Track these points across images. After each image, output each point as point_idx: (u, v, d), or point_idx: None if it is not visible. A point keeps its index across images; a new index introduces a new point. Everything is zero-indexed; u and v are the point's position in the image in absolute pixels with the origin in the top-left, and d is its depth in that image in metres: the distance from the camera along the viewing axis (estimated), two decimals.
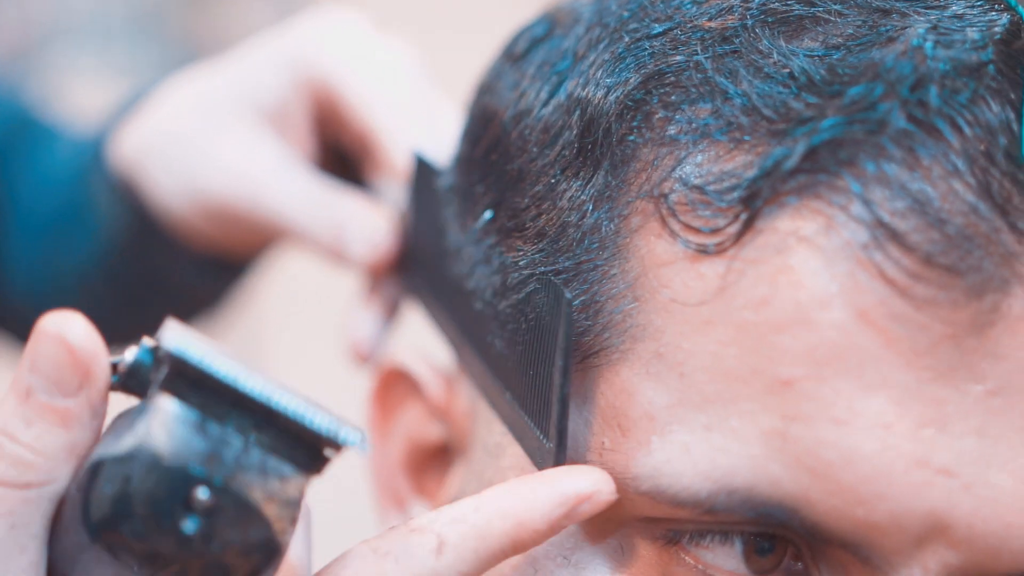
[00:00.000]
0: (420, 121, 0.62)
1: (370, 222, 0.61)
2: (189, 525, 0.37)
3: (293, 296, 1.74)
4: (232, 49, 0.68)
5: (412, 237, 0.59)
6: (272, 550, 0.38)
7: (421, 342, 0.58)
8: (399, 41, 0.66)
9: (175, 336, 0.38)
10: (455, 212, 0.52)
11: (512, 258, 0.47)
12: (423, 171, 0.56)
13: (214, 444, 0.38)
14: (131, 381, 0.40)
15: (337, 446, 0.39)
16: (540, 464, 0.45)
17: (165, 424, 0.38)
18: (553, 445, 0.44)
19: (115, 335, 0.78)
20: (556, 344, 0.44)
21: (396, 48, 0.65)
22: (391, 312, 0.63)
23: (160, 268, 0.71)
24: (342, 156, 0.66)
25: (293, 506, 0.39)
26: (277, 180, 0.63)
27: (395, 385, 0.56)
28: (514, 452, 0.48)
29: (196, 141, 0.65)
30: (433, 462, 0.56)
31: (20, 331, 0.78)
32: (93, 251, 0.73)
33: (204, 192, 0.65)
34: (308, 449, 0.39)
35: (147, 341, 0.40)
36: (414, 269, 0.59)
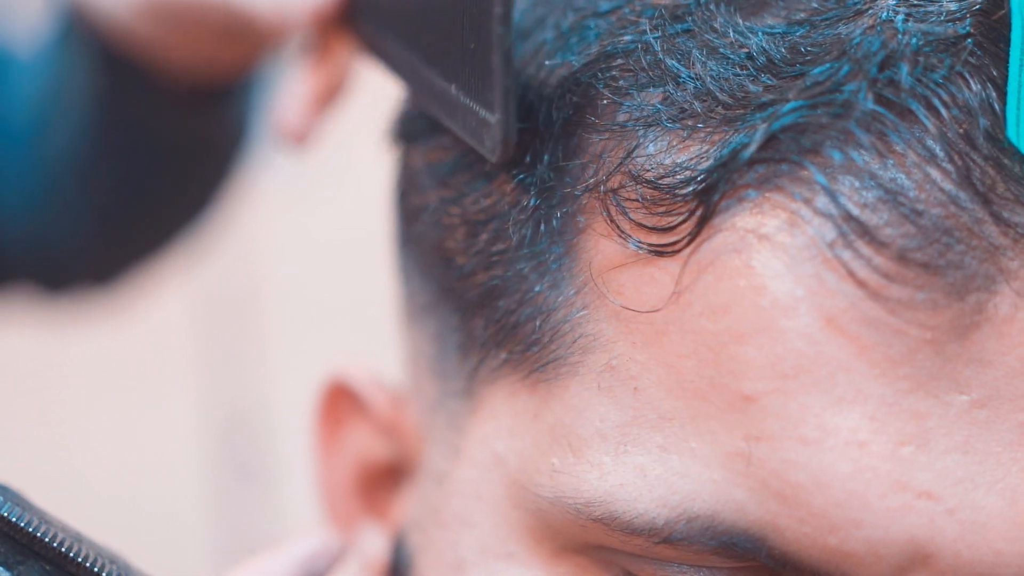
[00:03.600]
0: None
1: None
2: None
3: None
4: None
5: None
6: None
7: (367, 358, 0.54)
8: None
9: None
10: None
11: None
12: None
13: None
14: None
15: None
16: (487, 143, 0.41)
17: None
18: (498, 114, 0.40)
19: (126, 217, 0.77)
20: None
21: None
22: (332, 88, 0.58)
23: (145, 120, 0.68)
24: None
25: None
26: None
27: (341, 401, 0.52)
28: (456, 477, 0.44)
29: None
30: (383, 480, 0.52)
31: (18, 254, 0.76)
32: (79, 127, 0.70)
33: None
34: None
35: None
36: (370, 18, 0.54)
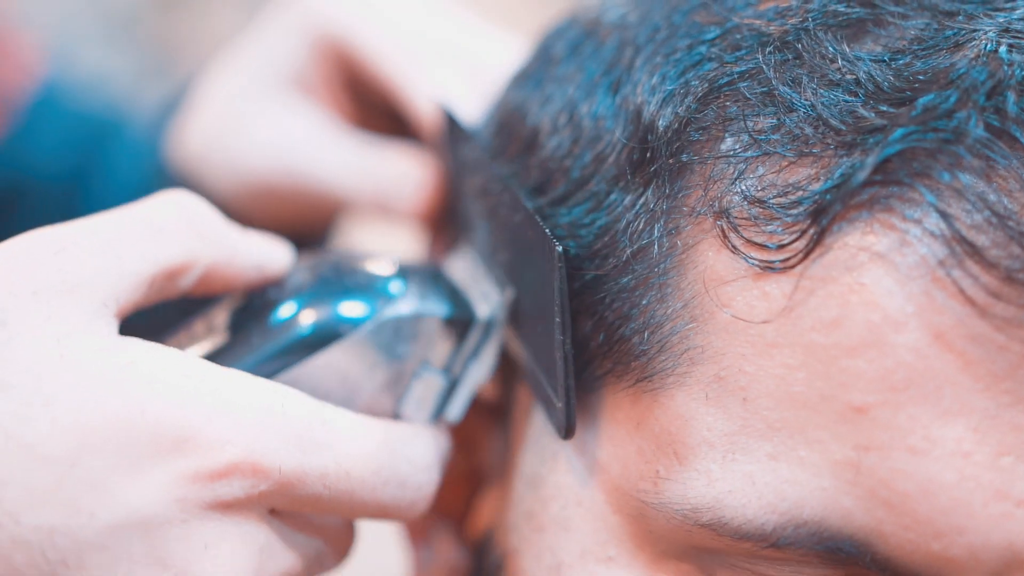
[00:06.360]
0: (444, 61, 0.59)
1: (408, 175, 0.58)
2: None
3: None
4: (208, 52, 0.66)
5: (455, 189, 0.57)
6: None
7: None
8: None
9: None
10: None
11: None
12: (452, 127, 0.54)
13: None
14: None
15: None
16: (554, 424, 0.45)
17: None
18: (562, 404, 0.44)
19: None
20: (553, 300, 0.43)
21: None
22: None
23: None
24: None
25: None
26: (310, 149, 0.62)
27: None
28: (554, 482, 0.46)
29: (239, 125, 0.64)
30: (457, 482, 0.53)
31: None
32: None
33: (250, 174, 0.64)
34: None
35: None
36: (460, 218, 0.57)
